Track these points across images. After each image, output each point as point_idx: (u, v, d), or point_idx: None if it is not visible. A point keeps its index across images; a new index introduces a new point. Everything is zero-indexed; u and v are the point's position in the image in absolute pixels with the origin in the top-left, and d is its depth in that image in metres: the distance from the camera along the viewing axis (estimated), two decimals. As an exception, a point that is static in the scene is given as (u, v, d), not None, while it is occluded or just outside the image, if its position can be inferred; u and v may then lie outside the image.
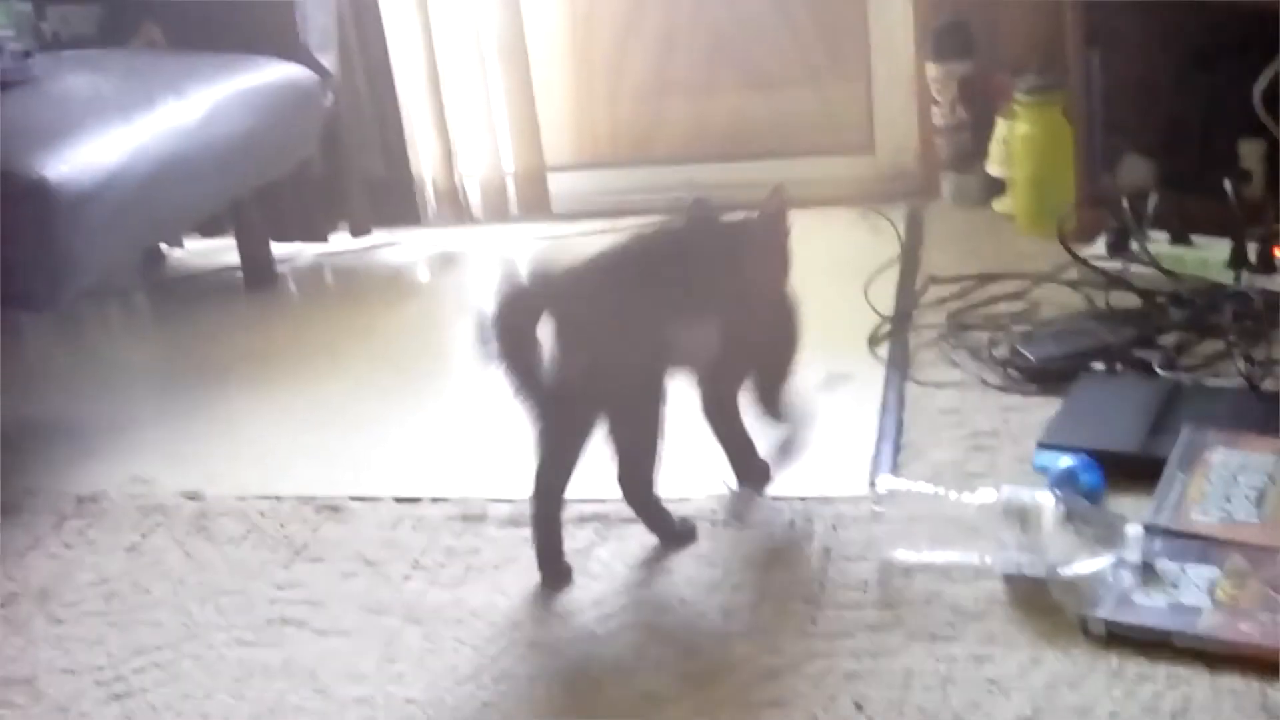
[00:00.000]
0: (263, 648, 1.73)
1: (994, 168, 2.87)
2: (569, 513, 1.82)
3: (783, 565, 1.76)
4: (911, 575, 1.67)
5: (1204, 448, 1.80)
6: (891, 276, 2.61)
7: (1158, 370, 2.08)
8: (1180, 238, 2.43)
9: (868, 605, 1.64)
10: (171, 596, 1.87)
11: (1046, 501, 1.65)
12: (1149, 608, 1.53)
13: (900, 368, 2.25)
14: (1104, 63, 2.58)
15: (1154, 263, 2.35)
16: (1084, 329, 2.23)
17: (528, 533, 1.80)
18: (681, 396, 1.80)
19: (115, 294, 3.12)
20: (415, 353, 2.64)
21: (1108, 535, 1.64)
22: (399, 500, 2.02)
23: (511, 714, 1.56)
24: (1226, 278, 2.29)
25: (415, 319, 2.87)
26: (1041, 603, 1.58)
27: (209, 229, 3.22)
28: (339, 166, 3.13)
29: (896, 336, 2.35)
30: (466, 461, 2.15)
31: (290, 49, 2.81)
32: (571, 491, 1.77)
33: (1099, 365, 2.10)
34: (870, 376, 2.23)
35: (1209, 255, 2.37)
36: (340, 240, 3.24)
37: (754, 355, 1.85)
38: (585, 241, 1.84)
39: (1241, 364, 2.05)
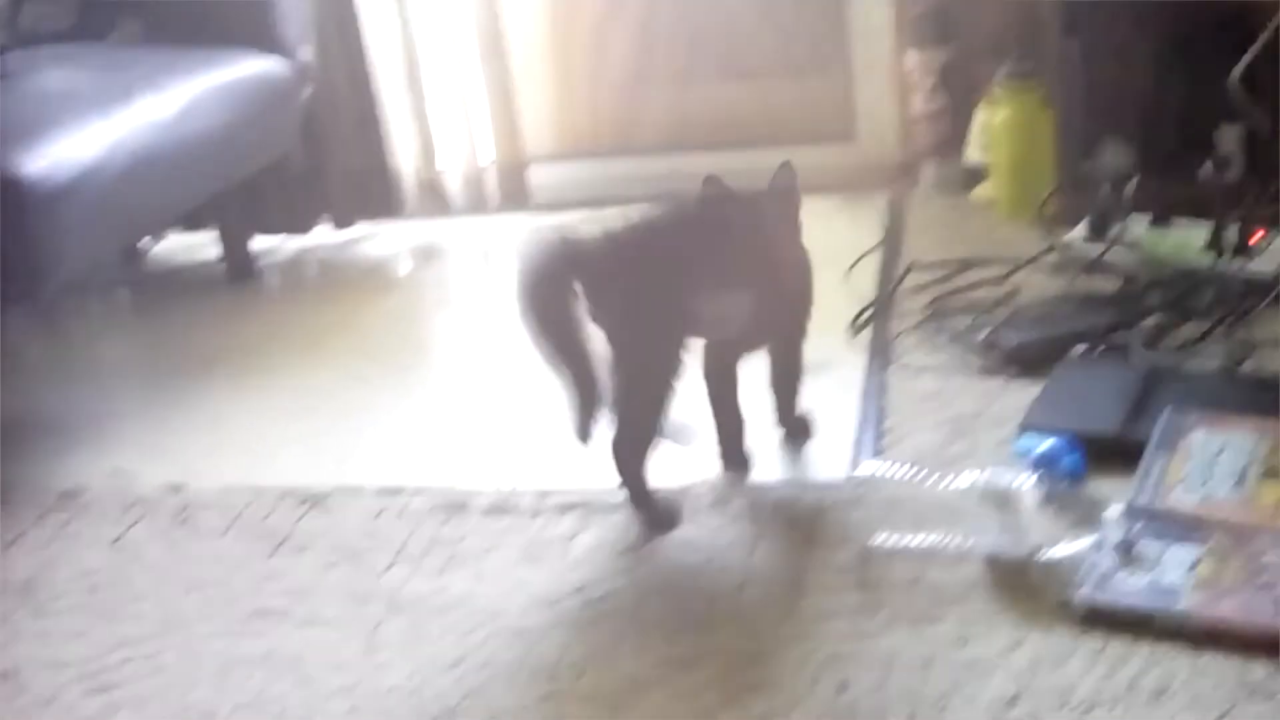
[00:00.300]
0: (245, 639, 1.73)
1: (975, 154, 2.88)
2: (549, 501, 1.83)
3: (765, 550, 1.76)
4: (894, 559, 1.67)
5: (1184, 429, 1.80)
6: (873, 264, 2.61)
7: (1138, 353, 2.08)
8: (1160, 222, 2.44)
9: (850, 589, 1.64)
10: (154, 589, 1.87)
11: (1027, 484, 1.65)
12: (1130, 588, 1.53)
13: (882, 353, 2.25)
14: (1083, 49, 2.58)
15: (1133, 247, 2.36)
16: (1065, 313, 2.24)
17: (509, 521, 1.82)
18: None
19: (96, 287, 3.11)
20: (396, 344, 2.64)
21: (1089, 517, 1.65)
22: (381, 491, 2.02)
23: (494, 702, 1.55)
24: (1205, 261, 2.29)
25: (396, 310, 2.86)
26: (1023, 585, 1.59)
27: (190, 222, 3.20)
28: (319, 159, 3.12)
29: (878, 323, 2.35)
30: (448, 451, 2.15)
31: (268, 42, 2.80)
32: (553, 481, 1.77)
33: (1080, 349, 2.10)
34: (852, 362, 2.24)
35: (1188, 239, 2.38)
36: (321, 233, 3.24)
37: (772, 321, 1.90)
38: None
39: (1220, 347, 2.05)
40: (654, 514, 1.83)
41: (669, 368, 1.78)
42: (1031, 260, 2.46)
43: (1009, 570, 1.60)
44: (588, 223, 1.81)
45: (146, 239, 3.22)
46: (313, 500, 2.02)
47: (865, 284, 2.50)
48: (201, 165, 2.56)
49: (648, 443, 1.80)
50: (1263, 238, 2.31)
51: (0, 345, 2.73)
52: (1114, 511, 1.64)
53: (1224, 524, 1.61)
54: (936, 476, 1.71)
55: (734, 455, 1.94)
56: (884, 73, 3.05)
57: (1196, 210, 2.40)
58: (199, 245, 3.23)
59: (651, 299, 1.77)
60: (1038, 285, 2.40)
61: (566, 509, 1.88)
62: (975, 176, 2.91)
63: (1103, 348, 2.11)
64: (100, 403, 2.51)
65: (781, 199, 1.84)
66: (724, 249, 1.78)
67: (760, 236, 1.81)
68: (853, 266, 2.55)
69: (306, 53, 2.91)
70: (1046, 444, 1.79)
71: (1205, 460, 1.74)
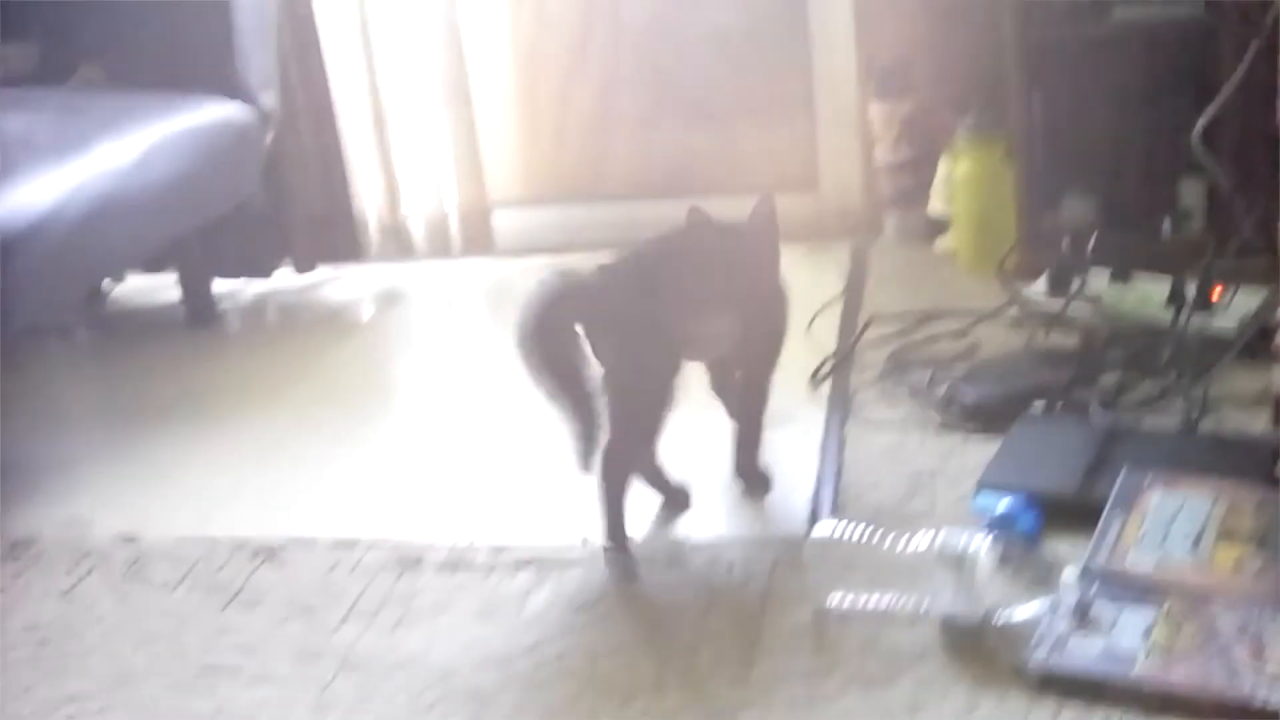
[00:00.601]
0: (195, 696, 1.71)
1: (937, 206, 2.88)
2: (504, 556, 1.81)
3: (720, 610, 1.74)
4: (848, 620, 1.66)
5: (1142, 489, 1.80)
6: (834, 314, 2.61)
7: (1097, 411, 2.08)
8: (1120, 276, 2.44)
9: (804, 652, 1.63)
10: (104, 643, 1.84)
11: (983, 545, 1.64)
12: (1085, 653, 1.52)
13: (841, 407, 2.24)
14: (1045, 102, 2.59)
15: (1094, 301, 2.36)
16: (1024, 368, 2.23)
17: (463, 578, 1.81)
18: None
19: (55, 331, 3.09)
20: (357, 390, 2.63)
21: (1044, 578, 1.64)
22: (336, 544, 2.00)
23: (445, 763, 1.54)
24: (1166, 317, 2.30)
25: (358, 356, 2.85)
26: (978, 648, 1.58)
27: (151, 265, 3.20)
28: (282, 203, 3.11)
29: (838, 375, 2.35)
30: (404, 502, 2.14)
31: (231, 88, 2.79)
32: (508, 535, 1.76)
33: (1039, 405, 2.10)
34: (812, 415, 2.23)
35: (1149, 294, 2.38)
36: (283, 276, 3.22)
37: (753, 344, 1.97)
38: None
39: (1180, 404, 2.06)
40: (622, 553, 1.84)
41: (663, 392, 1.83)
42: (992, 314, 2.47)
43: (964, 633, 1.59)
44: (583, 261, 1.84)
45: (107, 281, 3.20)
46: (267, 553, 2.00)
47: (826, 335, 2.50)
48: (162, 211, 2.55)
49: (633, 459, 1.87)
50: (1223, 293, 2.31)
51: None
52: (1070, 573, 1.63)
53: (1180, 586, 1.60)
54: (893, 536, 1.70)
55: (747, 470, 2.02)
56: (848, 123, 3.06)
57: (1157, 265, 2.41)
58: (159, 288, 3.22)
59: (647, 327, 1.81)
60: (998, 339, 2.40)
61: (521, 565, 1.87)
62: (938, 228, 2.91)
63: (1062, 404, 2.10)
64: (56, 448, 2.48)
65: (761, 227, 1.94)
66: (711, 273, 1.87)
67: (742, 260, 1.91)
68: (812, 320, 2.55)
69: (270, 98, 2.89)
70: (1004, 503, 1.78)
71: (1162, 521, 1.73)
